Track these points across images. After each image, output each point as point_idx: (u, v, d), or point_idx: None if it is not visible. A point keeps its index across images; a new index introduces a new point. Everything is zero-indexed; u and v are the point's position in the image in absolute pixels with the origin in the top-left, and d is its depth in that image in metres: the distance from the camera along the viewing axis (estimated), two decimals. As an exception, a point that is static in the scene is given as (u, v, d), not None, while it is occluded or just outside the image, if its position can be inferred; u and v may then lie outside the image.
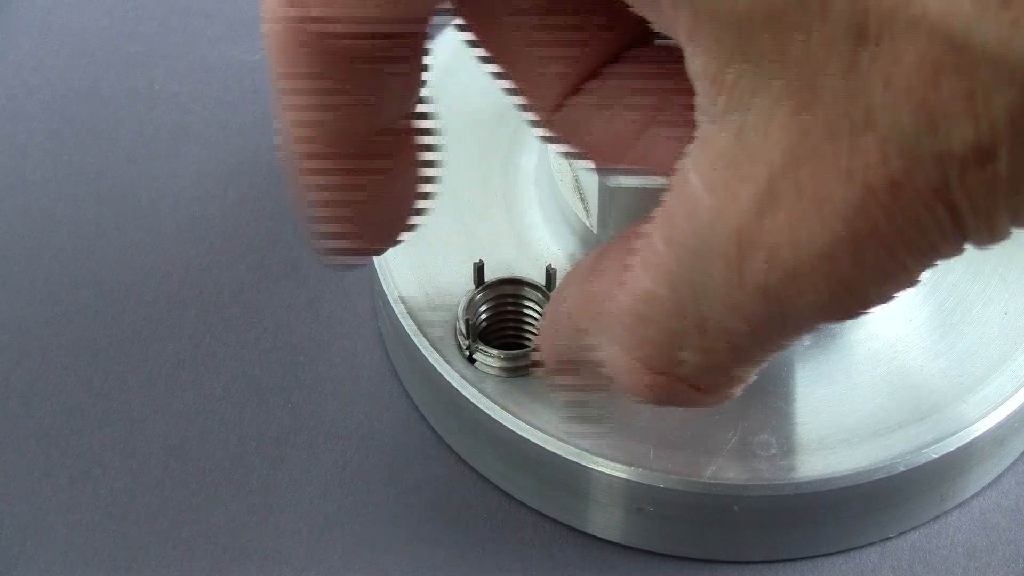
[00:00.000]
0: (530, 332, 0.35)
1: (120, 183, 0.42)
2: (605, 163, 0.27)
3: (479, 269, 0.34)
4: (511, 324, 0.35)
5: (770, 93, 0.20)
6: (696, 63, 0.21)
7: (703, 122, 0.21)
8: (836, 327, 0.34)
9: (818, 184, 0.20)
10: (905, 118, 0.19)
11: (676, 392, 0.24)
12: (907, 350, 0.34)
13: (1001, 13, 0.18)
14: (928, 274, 0.35)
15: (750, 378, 0.25)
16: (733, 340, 0.23)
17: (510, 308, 0.35)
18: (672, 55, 0.22)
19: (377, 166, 0.28)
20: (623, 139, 0.25)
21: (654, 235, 0.23)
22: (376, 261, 0.36)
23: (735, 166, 0.21)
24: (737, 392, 0.25)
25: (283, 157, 0.28)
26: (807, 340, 0.34)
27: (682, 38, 0.21)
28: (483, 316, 0.35)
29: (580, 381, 0.29)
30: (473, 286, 0.34)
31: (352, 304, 0.38)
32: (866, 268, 0.21)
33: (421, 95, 0.27)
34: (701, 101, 0.21)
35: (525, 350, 0.34)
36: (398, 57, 0.25)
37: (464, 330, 0.33)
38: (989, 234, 0.21)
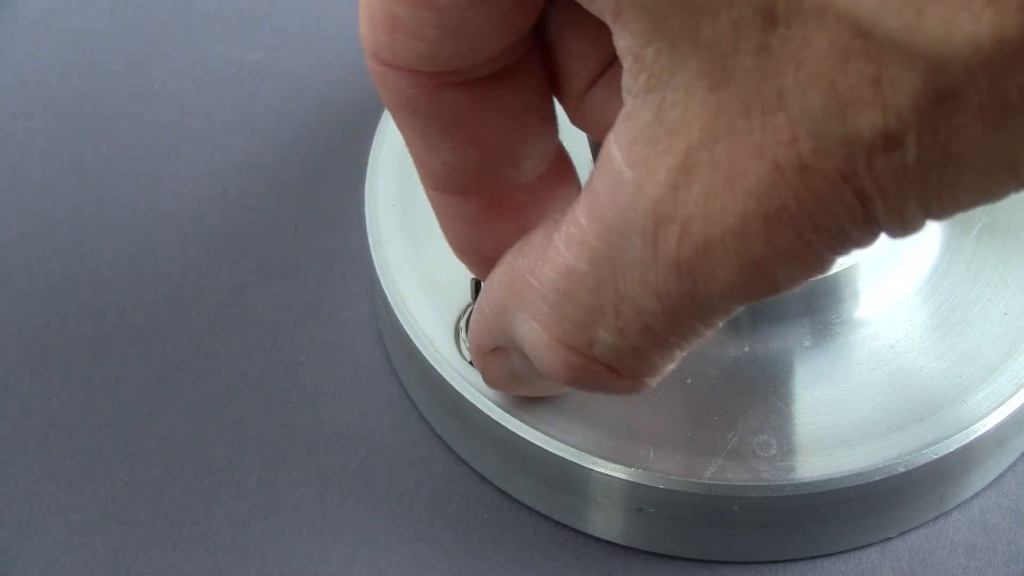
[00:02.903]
0: None
1: (120, 183, 0.42)
2: None
3: (476, 284, 0.34)
4: None
5: (686, 71, 0.20)
6: (620, 42, 0.21)
7: (627, 99, 0.22)
8: (836, 327, 0.34)
9: (732, 160, 0.20)
10: (814, 100, 0.19)
11: (591, 373, 0.25)
12: (907, 350, 0.34)
13: (905, 2, 0.18)
14: (928, 274, 0.35)
15: (667, 367, 0.25)
16: (646, 321, 0.23)
17: None
18: None
19: (508, 215, 0.28)
20: None
21: (579, 211, 0.23)
22: (376, 261, 0.36)
23: (654, 141, 0.21)
24: (654, 381, 0.25)
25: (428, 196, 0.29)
26: (807, 340, 0.34)
27: (608, 18, 0.21)
28: None
29: (504, 370, 0.30)
30: (471, 300, 0.34)
31: (352, 304, 0.39)
32: (776, 248, 0.21)
33: (549, 143, 0.28)
34: (626, 79, 0.22)
35: None
36: (493, 88, 0.26)
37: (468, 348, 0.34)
38: (900, 223, 0.21)
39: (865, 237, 0.21)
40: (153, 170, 0.42)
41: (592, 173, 0.23)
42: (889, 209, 0.20)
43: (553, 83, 0.27)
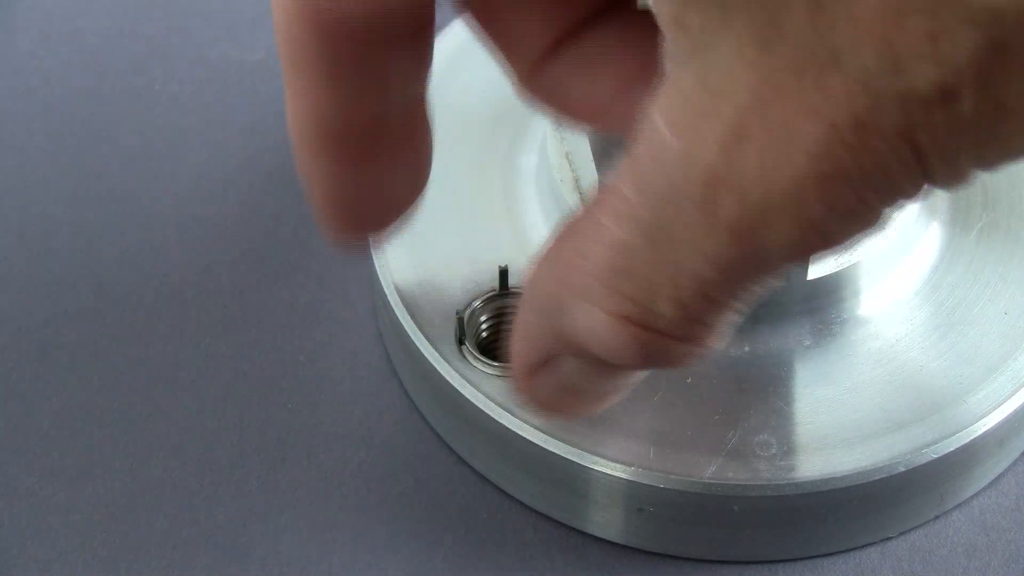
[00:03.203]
0: None
1: (120, 183, 0.42)
2: (585, 124, 0.27)
3: (504, 274, 0.34)
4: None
5: (734, 32, 0.20)
6: (661, 7, 0.21)
7: (669, 67, 0.22)
8: (836, 327, 0.34)
9: (785, 121, 0.20)
10: (869, 57, 0.19)
11: (657, 346, 0.24)
12: (907, 350, 0.34)
13: None
14: (928, 274, 0.35)
15: (727, 327, 0.25)
16: (704, 289, 0.23)
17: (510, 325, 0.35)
18: (653, 17, 0.22)
19: (381, 154, 0.28)
20: (603, 100, 0.25)
21: (623, 185, 0.23)
22: (376, 261, 0.36)
23: (700, 107, 0.21)
24: (717, 343, 0.25)
25: (291, 142, 0.28)
26: (807, 340, 0.34)
27: None
28: (483, 328, 0.35)
29: (556, 385, 0.29)
30: (477, 292, 0.34)
31: (352, 304, 0.39)
32: (832, 206, 0.21)
33: (427, 82, 0.27)
34: (668, 46, 0.21)
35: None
36: (405, 40, 0.25)
37: (473, 349, 0.34)
38: (953, 176, 0.21)
39: (917, 190, 0.21)
40: (153, 170, 0.42)
41: (633, 145, 0.23)
42: (944, 163, 0.20)
43: (503, 51, 0.27)
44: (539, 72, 0.26)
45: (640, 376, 0.30)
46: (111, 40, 0.46)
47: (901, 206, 0.21)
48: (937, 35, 0.19)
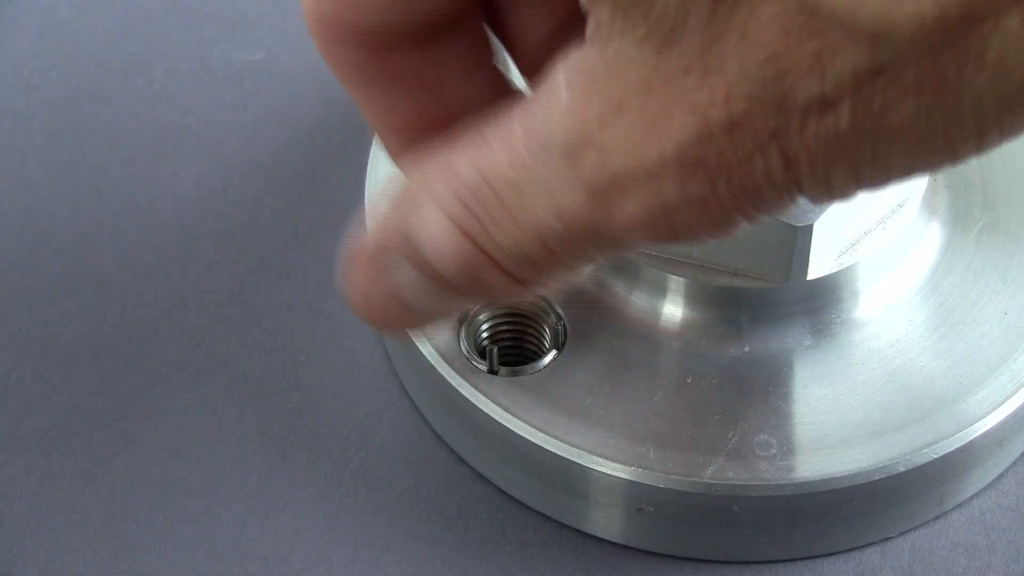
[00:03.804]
0: (531, 346, 0.35)
1: (120, 183, 0.42)
2: None
3: None
4: (512, 340, 0.35)
5: (636, 33, 0.22)
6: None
7: (586, 36, 0.23)
8: (836, 327, 0.34)
9: (663, 109, 0.21)
10: (754, 67, 0.20)
11: (482, 268, 0.25)
12: (907, 350, 0.34)
13: None
14: (928, 274, 0.35)
15: (553, 281, 0.26)
16: (543, 235, 0.24)
17: (511, 327, 0.35)
18: None
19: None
20: None
21: (514, 117, 0.24)
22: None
23: (596, 77, 0.22)
24: (537, 291, 0.26)
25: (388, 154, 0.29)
26: (807, 340, 0.34)
27: None
28: (484, 336, 0.35)
29: (386, 286, 0.28)
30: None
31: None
32: (685, 195, 0.22)
33: (495, 70, 0.28)
34: (589, 25, 0.23)
35: (530, 364, 0.34)
36: (445, 38, 0.26)
37: (470, 355, 0.34)
38: (826, 187, 0.21)
39: (781, 198, 0.22)
40: (153, 170, 0.42)
41: (535, 88, 0.24)
42: (815, 172, 0.21)
43: (505, 39, 0.27)
44: (541, 59, 0.27)
45: (458, 307, 0.31)
46: (111, 40, 0.46)
47: (756, 216, 0.22)
48: (821, 52, 0.20)
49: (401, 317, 0.29)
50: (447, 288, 0.27)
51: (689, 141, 0.21)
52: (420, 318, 0.29)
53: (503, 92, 0.28)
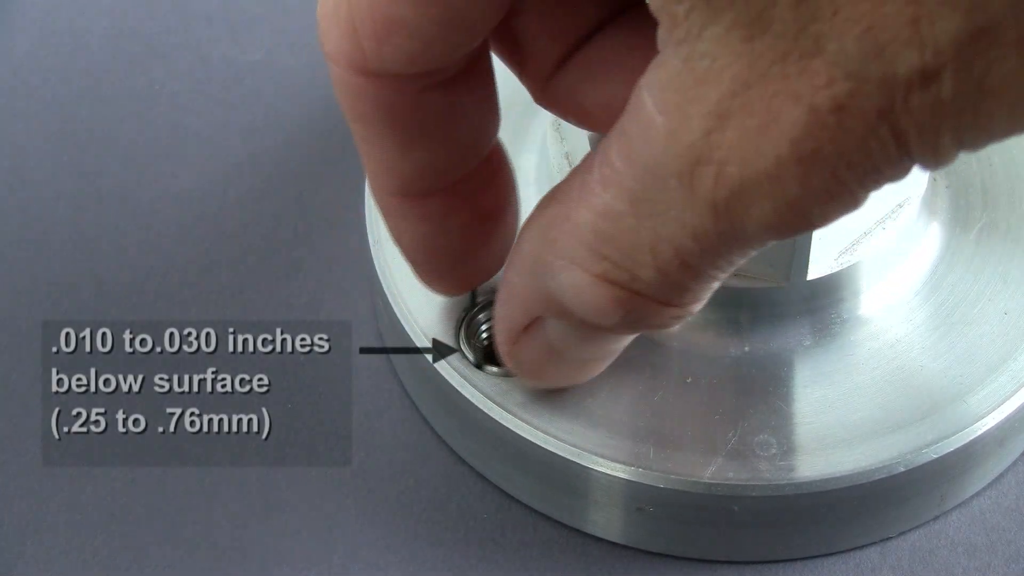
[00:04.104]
0: None
1: (120, 183, 0.42)
2: (599, 128, 0.27)
3: (472, 293, 0.34)
4: None
5: (720, 23, 0.21)
6: (654, 2, 0.22)
7: (660, 48, 0.22)
8: (836, 327, 0.34)
9: (766, 106, 0.21)
10: (851, 44, 0.20)
11: (637, 306, 0.25)
12: (907, 350, 0.34)
13: None
14: (928, 274, 0.35)
15: (708, 292, 0.26)
16: (684, 258, 0.24)
17: None
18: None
19: (462, 208, 0.28)
20: (615, 104, 0.26)
21: (612, 153, 0.24)
22: (376, 261, 0.36)
23: (686, 89, 0.22)
24: (698, 307, 0.26)
25: (377, 206, 0.29)
26: (807, 340, 0.34)
27: None
28: (484, 336, 0.35)
29: (541, 348, 0.29)
30: (477, 292, 0.34)
31: (352, 304, 0.39)
32: (810, 188, 0.21)
33: (494, 129, 0.28)
34: (661, 32, 0.22)
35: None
36: (458, 87, 0.26)
37: (470, 355, 0.34)
38: (933, 156, 0.21)
39: (898, 172, 0.21)
40: (153, 170, 0.42)
41: (622, 118, 0.23)
42: (924, 143, 0.21)
43: (516, 65, 0.27)
44: (553, 81, 0.27)
45: (624, 342, 0.30)
46: (111, 40, 0.46)
47: (882, 186, 0.22)
48: (919, 20, 0.19)
49: (566, 370, 0.30)
50: (607, 332, 0.27)
51: (801, 135, 0.21)
52: (593, 364, 0.30)
53: (499, 157, 0.28)
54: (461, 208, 0.29)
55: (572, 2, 0.26)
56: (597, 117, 0.26)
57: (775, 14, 0.20)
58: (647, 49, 0.25)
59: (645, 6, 0.26)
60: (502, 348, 0.30)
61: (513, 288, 0.28)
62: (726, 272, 0.25)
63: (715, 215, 0.22)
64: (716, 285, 0.25)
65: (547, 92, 0.27)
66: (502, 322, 0.29)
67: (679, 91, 0.22)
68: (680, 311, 0.26)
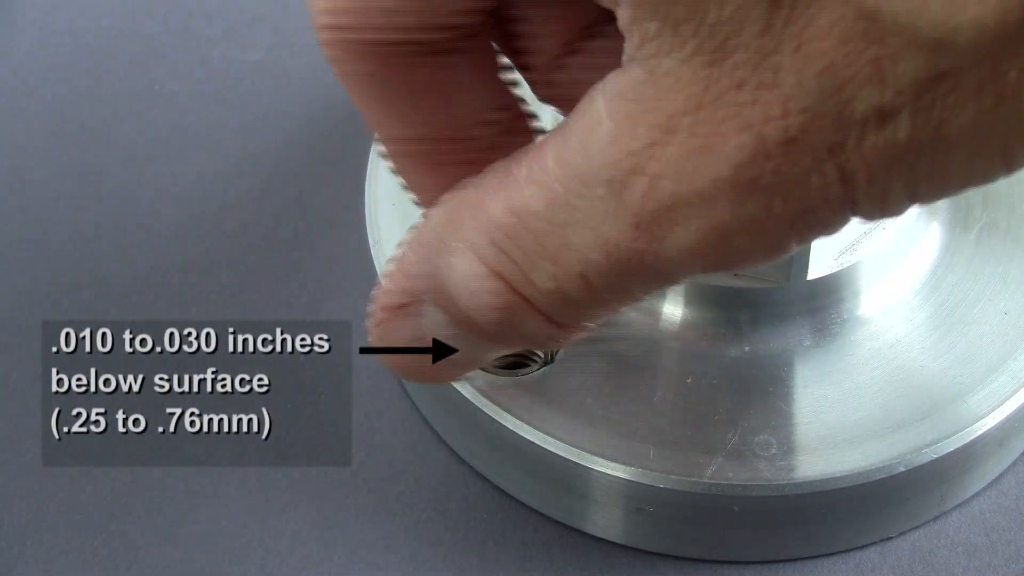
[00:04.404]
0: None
1: (120, 183, 0.42)
2: None
3: None
4: None
5: (685, 48, 0.21)
6: (622, 18, 0.22)
7: (624, 58, 0.22)
8: (836, 327, 0.34)
9: (715, 128, 0.21)
10: (811, 78, 0.20)
11: (519, 313, 0.24)
12: (907, 350, 0.34)
13: None
14: (928, 274, 0.35)
15: (594, 323, 0.25)
16: (586, 272, 0.23)
17: None
18: None
19: (482, 162, 0.27)
20: None
21: (547, 152, 0.23)
22: (376, 261, 0.36)
23: (641, 99, 0.21)
24: (578, 335, 0.25)
25: (393, 170, 0.28)
26: (807, 340, 0.34)
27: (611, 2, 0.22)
28: None
29: (409, 333, 0.28)
30: None
31: (352, 304, 0.38)
32: (740, 217, 0.21)
33: (502, 86, 0.27)
34: (627, 47, 0.22)
35: (529, 368, 0.34)
36: (451, 52, 0.26)
37: None
38: (881, 203, 0.21)
39: (835, 217, 0.21)
40: (153, 170, 0.42)
41: (569, 117, 0.23)
42: (872, 187, 0.20)
43: (515, 55, 0.27)
44: (553, 76, 0.27)
45: (488, 356, 0.29)
46: (111, 40, 0.46)
47: (809, 237, 0.22)
48: (881, 60, 0.19)
49: (432, 367, 0.28)
50: (480, 335, 0.26)
51: (744, 161, 0.21)
52: (452, 367, 0.28)
53: (511, 107, 0.28)
54: (477, 163, 0.28)
55: None
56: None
57: (739, 42, 0.20)
58: None
59: None
60: (370, 319, 0.28)
61: (404, 261, 0.27)
62: (619, 304, 0.24)
63: (636, 229, 0.22)
64: (602, 318, 0.25)
65: (547, 86, 0.27)
66: (381, 293, 0.28)
67: (634, 101, 0.22)
68: (559, 332, 0.25)
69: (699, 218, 0.21)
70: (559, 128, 0.23)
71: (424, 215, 0.26)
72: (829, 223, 0.21)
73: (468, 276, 0.25)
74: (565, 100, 0.27)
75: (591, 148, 0.22)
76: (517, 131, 0.29)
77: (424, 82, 0.26)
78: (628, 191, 0.22)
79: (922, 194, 0.21)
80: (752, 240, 0.22)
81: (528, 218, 0.23)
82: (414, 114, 0.26)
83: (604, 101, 0.22)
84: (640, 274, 0.23)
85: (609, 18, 0.26)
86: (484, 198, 0.24)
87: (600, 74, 0.26)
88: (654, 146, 0.21)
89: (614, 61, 0.26)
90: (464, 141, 0.27)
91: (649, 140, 0.21)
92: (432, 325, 0.27)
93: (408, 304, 0.27)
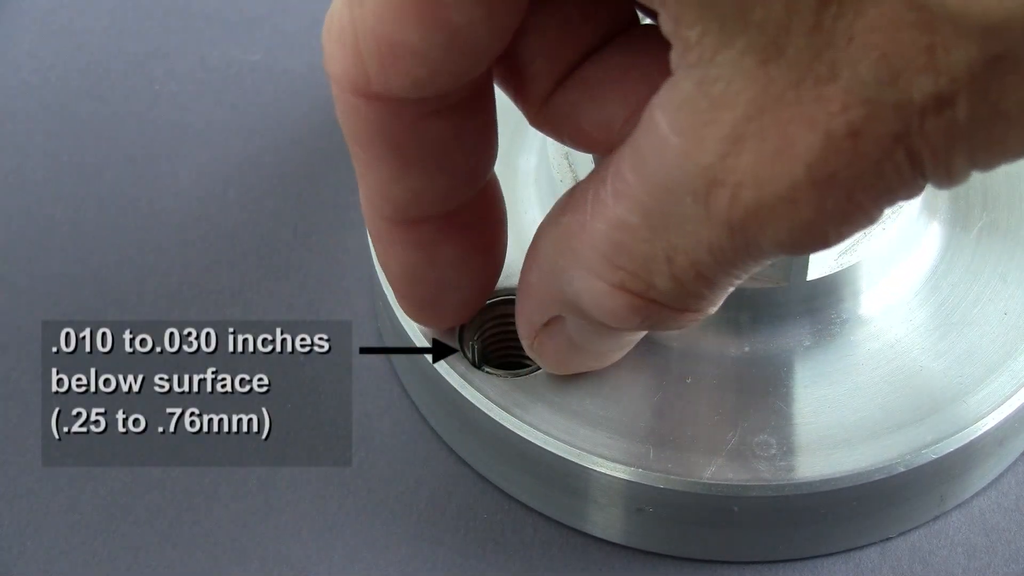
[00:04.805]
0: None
1: (120, 183, 0.42)
2: (596, 150, 0.27)
3: None
4: (512, 340, 0.35)
5: (734, 47, 0.21)
6: (665, 24, 0.22)
7: (673, 69, 0.22)
8: (836, 327, 0.34)
9: (781, 131, 0.21)
10: (866, 71, 0.20)
11: (653, 312, 0.25)
12: (907, 350, 0.34)
13: None
14: (928, 274, 0.35)
15: (722, 298, 0.26)
16: (699, 269, 0.24)
17: (511, 328, 0.35)
18: (657, 39, 0.23)
19: (451, 239, 0.29)
20: (613, 125, 0.26)
21: (624, 167, 0.24)
22: (376, 261, 0.36)
23: (699, 112, 0.22)
24: (714, 309, 0.26)
25: (369, 230, 0.29)
26: (807, 340, 0.34)
27: (654, 2, 0.22)
28: (484, 336, 0.35)
29: (561, 342, 0.30)
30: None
31: (352, 304, 0.39)
32: (825, 210, 0.22)
33: (491, 160, 0.28)
34: (673, 55, 0.22)
35: (529, 368, 0.34)
36: (460, 113, 0.26)
37: (471, 356, 0.34)
38: (947, 176, 0.21)
39: (913, 191, 0.22)
40: (153, 170, 0.42)
41: (635, 134, 0.23)
42: (938, 165, 0.21)
43: (513, 89, 0.27)
44: (549, 103, 0.27)
45: (643, 333, 0.31)
46: (111, 40, 0.46)
47: (896, 203, 0.22)
48: (934, 48, 0.19)
49: (595, 360, 0.31)
50: (621, 333, 0.28)
51: (816, 160, 0.21)
52: (613, 353, 0.31)
53: (493, 191, 0.29)
54: (452, 239, 0.29)
55: (570, 26, 0.26)
56: (594, 138, 0.26)
57: (789, 40, 0.20)
58: (644, 68, 0.25)
59: (641, 27, 0.26)
60: (524, 342, 0.31)
61: (531, 288, 0.28)
62: (742, 279, 0.25)
63: (731, 233, 0.23)
64: (732, 289, 0.26)
65: (543, 114, 0.27)
66: (523, 318, 0.30)
67: (693, 113, 0.22)
68: (696, 315, 0.26)
69: (786, 218, 0.22)
70: (629, 145, 0.24)
71: (534, 246, 0.28)
72: (909, 195, 0.22)
73: (595, 296, 0.26)
74: (562, 126, 0.27)
75: (666, 163, 0.22)
76: (490, 217, 0.30)
77: (432, 136, 0.26)
78: (713, 201, 0.22)
79: (983, 163, 0.21)
80: (842, 225, 0.22)
81: (630, 231, 0.24)
82: (413, 168, 0.27)
83: (664, 118, 0.22)
84: (748, 260, 0.24)
85: (607, 43, 0.27)
86: (584, 221, 0.25)
87: (597, 100, 0.26)
88: (726, 157, 0.22)
89: (610, 85, 0.26)
90: (449, 198, 0.27)
91: (720, 152, 0.22)
92: (578, 333, 0.29)
93: (551, 321, 0.29)
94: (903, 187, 0.21)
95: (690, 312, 0.26)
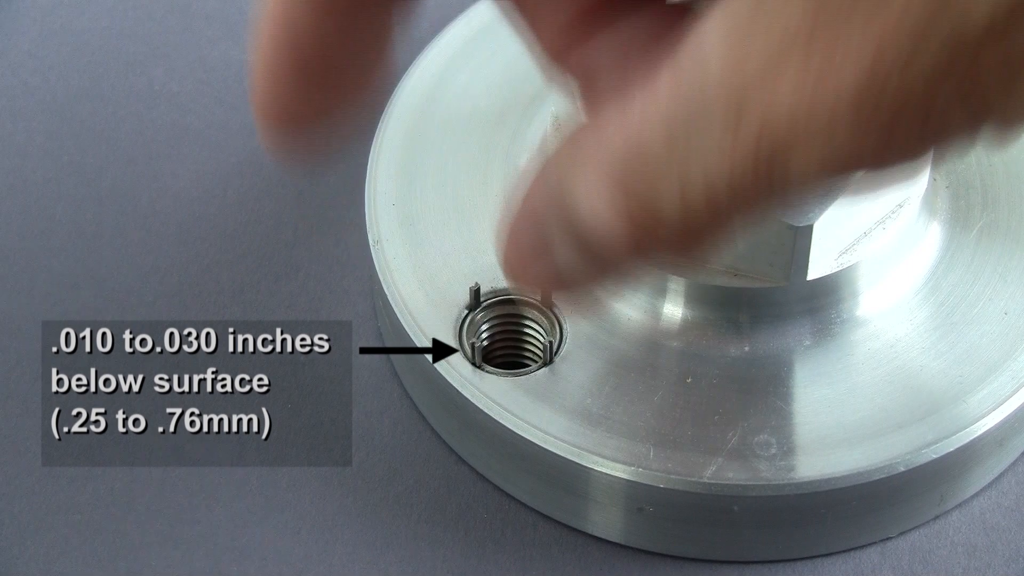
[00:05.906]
0: (530, 347, 0.35)
1: (120, 183, 0.42)
2: (599, 100, 0.27)
3: (475, 293, 0.34)
4: (512, 340, 0.35)
5: None
6: None
7: None
8: (836, 327, 0.34)
9: (828, 56, 0.20)
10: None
11: (649, 236, 0.24)
12: (907, 350, 0.34)
13: None
14: (928, 274, 0.35)
15: (722, 240, 0.25)
16: (712, 195, 0.23)
17: (511, 328, 0.35)
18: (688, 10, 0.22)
19: (332, 77, 0.27)
20: (630, 79, 0.25)
21: (660, 84, 0.23)
22: (376, 261, 0.36)
23: (749, 32, 0.21)
24: (707, 250, 0.25)
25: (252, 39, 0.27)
26: (807, 340, 0.34)
27: None
28: (484, 336, 0.35)
29: (547, 267, 0.28)
30: (470, 306, 0.34)
31: (352, 304, 0.39)
32: (862, 145, 0.21)
33: (393, 26, 0.27)
34: None
35: (529, 368, 0.34)
36: None
37: (471, 356, 0.34)
38: (1004, 120, 0.20)
39: (961, 137, 0.21)
40: (153, 170, 0.42)
41: (678, 51, 0.23)
42: (993, 105, 0.20)
43: (527, 23, 0.27)
44: (570, 50, 0.26)
45: (615, 277, 0.29)
46: (111, 40, 0.46)
47: (945, 147, 0.21)
48: None
49: (555, 284, 0.28)
50: (604, 254, 0.26)
51: (861, 88, 0.20)
52: (574, 285, 0.28)
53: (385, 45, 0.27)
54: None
55: None
56: (608, 98, 0.26)
57: None
58: (673, 41, 0.25)
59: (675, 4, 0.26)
60: (507, 268, 0.29)
61: (530, 203, 0.27)
62: (745, 223, 0.24)
63: (755, 159, 0.22)
64: (730, 235, 0.25)
65: (561, 59, 0.27)
66: (511, 235, 0.28)
67: (743, 33, 0.21)
68: (686, 251, 0.25)
69: (820, 147, 0.21)
70: (668, 62, 0.23)
71: (546, 158, 0.26)
72: (956, 141, 0.21)
73: (594, 200, 0.24)
74: (578, 79, 0.27)
75: (705, 79, 0.22)
76: (374, 66, 0.27)
77: None
78: (744, 124, 0.22)
79: None
80: (876, 161, 0.21)
81: (648, 146, 0.23)
82: (323, 16, 0.26)
83: (711, 35, 0.22)
84: (763, 195, 0.23)
85: (638, 4, 0.26)
86: (603, 133, 0.24)
87: (620, 62, 0.26)
88: (767, 80, 0.21)
89: (637, 50, 0.26)
90: (340, 57, 0.26)
91: (761, 69, 0.21)
92: (566, 263, 0.27)
93: (539, 248, 0.27)
94: (948, 129, 0.21)
95: (683, 245, 0.25)
